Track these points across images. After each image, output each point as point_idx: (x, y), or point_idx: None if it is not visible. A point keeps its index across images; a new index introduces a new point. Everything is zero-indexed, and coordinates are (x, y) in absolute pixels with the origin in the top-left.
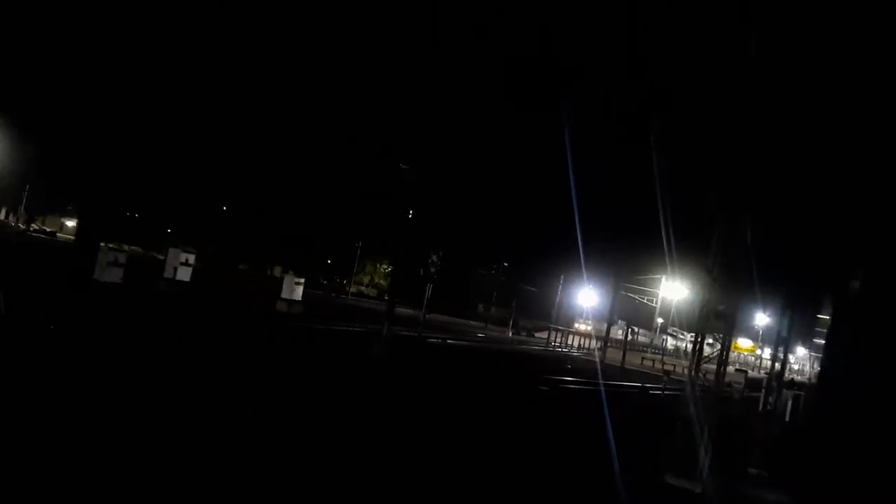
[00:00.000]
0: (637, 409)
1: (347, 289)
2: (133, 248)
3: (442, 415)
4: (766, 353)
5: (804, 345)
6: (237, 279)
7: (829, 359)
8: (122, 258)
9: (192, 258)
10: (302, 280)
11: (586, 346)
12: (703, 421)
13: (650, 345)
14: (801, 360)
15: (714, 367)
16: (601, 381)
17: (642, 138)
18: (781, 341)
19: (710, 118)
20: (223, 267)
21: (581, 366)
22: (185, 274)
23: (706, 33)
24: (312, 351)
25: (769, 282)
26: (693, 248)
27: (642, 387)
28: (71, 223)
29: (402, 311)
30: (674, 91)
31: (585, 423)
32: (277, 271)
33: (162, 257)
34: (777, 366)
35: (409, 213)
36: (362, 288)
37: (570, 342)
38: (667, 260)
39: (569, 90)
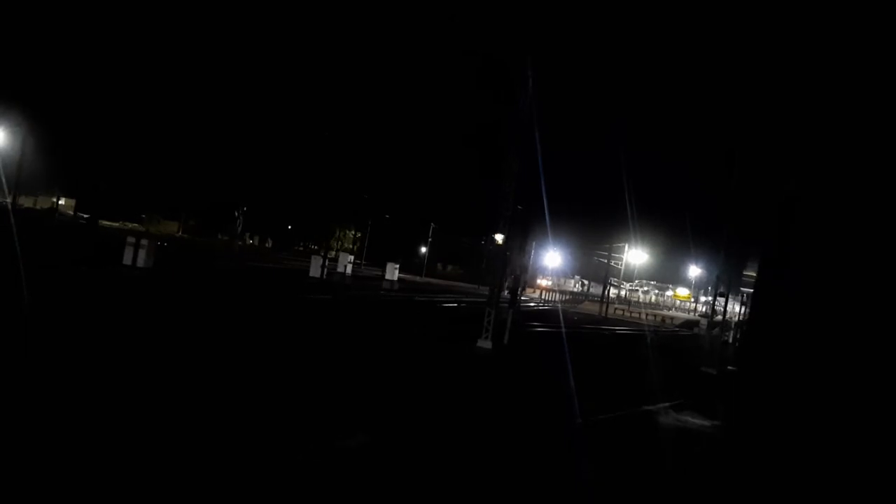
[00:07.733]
0: (661, 341)
1: (323, 255)
2: (133, 224)
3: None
4: (702, 299)
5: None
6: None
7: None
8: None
9: (350, 258)
10: (397, 265)
11: (554, 299)
12: (712, 345)
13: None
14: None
15: (661, 312)
16: (615, 328)
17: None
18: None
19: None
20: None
21: (583, 318)
22: (349, 269)
23: None
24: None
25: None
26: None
27: (654, 329)
28: (60, 202)
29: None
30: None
31: (641, 348)
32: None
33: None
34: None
35: None
36: (333, 253)
37: (546, 297)
38: (630, 231)
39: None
